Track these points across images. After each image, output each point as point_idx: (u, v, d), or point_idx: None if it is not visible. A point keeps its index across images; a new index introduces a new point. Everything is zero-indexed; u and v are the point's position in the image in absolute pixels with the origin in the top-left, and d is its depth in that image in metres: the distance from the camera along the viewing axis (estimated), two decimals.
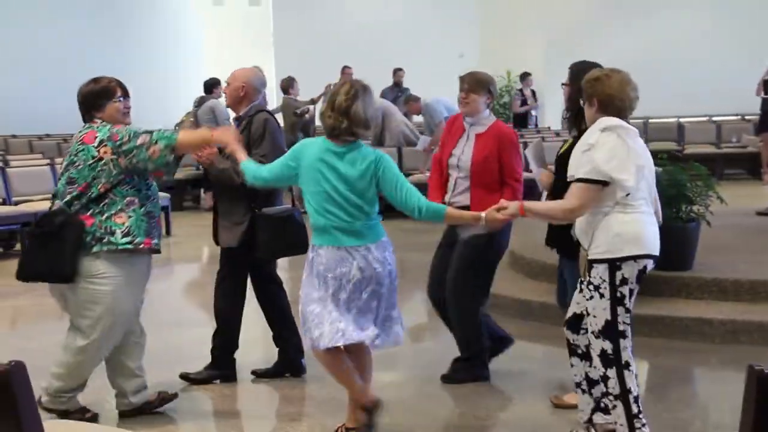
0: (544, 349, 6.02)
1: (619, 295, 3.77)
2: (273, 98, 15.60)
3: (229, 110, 5.52)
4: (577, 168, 3.80)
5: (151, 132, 4.29)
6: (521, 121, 16.87)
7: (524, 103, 17.15)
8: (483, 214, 4.06)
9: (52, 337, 5.19)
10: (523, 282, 7.19)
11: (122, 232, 4.16)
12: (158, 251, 4.41)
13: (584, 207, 3.76)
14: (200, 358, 5.31)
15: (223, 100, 11.94)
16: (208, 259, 9.03)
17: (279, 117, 13.85)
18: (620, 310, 3.79)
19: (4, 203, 9.65)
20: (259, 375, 5.30)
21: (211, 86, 12.34)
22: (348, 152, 4.00)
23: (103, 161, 4.18)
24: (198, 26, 18.25)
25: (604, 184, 3.71)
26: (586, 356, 4.04)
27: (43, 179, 9.95)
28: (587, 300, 3.87)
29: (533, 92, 17.31)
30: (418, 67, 14.02)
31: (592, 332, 3.86)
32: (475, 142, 4.94)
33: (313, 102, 13.18)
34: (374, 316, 4.07)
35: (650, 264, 3.86)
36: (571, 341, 4.12)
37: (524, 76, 17.25)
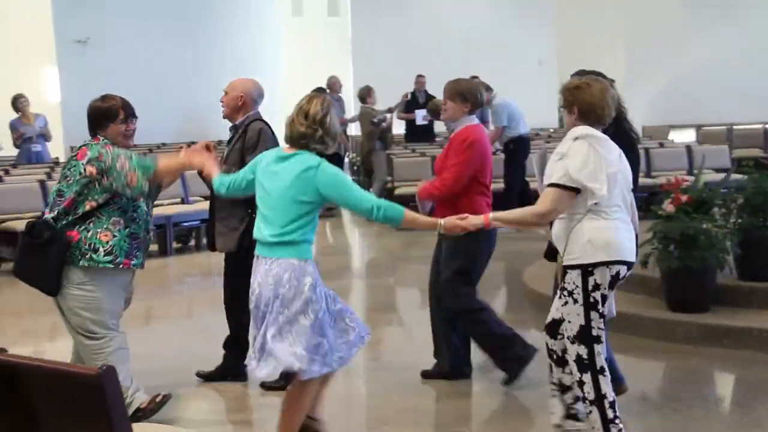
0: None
1: (592, 300, 3.81)
2: (350, 107, 15.72)
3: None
4: (550, 176, 3.85)
5: (131, 157, 4.35)
6: None
7: None
8: (441, 221, 4.09)
9: (178, 339, 5.35)
10: None
11: (105, 250, 4.31)
12: (140, 267, 4.52)
13: (555, 211, 3.82)
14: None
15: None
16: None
17: (356, 126, 14.08)
18: (593, 315, 3.83)
19: (182, 202, 10.45)
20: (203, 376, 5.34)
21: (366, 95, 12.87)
22: (293, 156, 4.00)
23: (89, 180, 4.31)
24: (277, 37, 18.51)
25: (577, 191, 3.76)
26: (560, 362, 4.07)
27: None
28: (563, 306, 3.91)
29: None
30: (497, 75, 13.92)
31: (568, 337, 3.91)
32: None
33: (390, 111, 13.25)
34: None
35: (623, 270, 3.86)
36: (549, 346, 4.13)
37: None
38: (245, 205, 4.88)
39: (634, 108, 16.16)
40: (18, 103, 12.01)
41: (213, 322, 7.27)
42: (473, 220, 4.05)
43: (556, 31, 19.09)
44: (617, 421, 3.88)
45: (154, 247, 10.07)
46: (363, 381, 5.58)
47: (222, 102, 5.21)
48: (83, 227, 4.31)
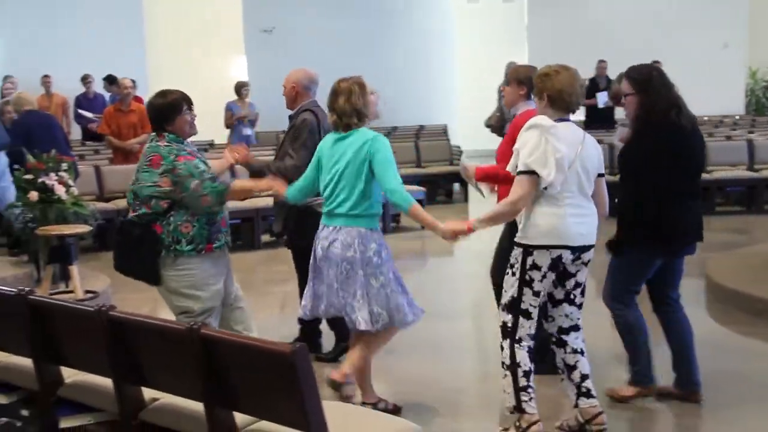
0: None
1: (527, 278, 4.07)
2: None
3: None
4: (514, 166, 4.07)
5: (204, 180, 4.50)
6: None
7: None
8: (442, 225, 4.27)
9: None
10: None
11: (187, 240, 4.50)
12: (225, 247, 4.67)
13: (523, 197, 4.02)
14: (453, 349, 5.46)
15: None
16: (461, 253, 9.20)
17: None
18: (526, 290, 4.08)
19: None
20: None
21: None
22: (349, 135, 4.39)
23: (162, 189, 4.49)
24: (452, 24, 18.57)
25: (536, 174, 3.95)
26: (559, 342, 4.24)
27: None
28: (505, 276, 4.18)
29: None
30: (677, 59, 13.40)
31: (501, 305, 4.18)
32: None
33: None
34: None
35: (567, 254, 4.05)
36: (546, 329, 4.31)
37: None
38: None
39: None
40: (242, 89, 12.87)
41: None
42: (455, 227, 4.21)
43: (747, 11, 18.10)
44: (529, 390, 4.09)
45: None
46: None
47: (284, 95, 5.53)
48: (164, 221, 4.51)
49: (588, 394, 4.19)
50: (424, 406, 4.81)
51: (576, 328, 4.24)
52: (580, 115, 14.42)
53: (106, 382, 3.34)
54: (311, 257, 4.51)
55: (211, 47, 16.40)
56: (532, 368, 4.13)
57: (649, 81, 4.48)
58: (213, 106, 13.12)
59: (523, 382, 4.08)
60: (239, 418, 3.00)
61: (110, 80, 13.78)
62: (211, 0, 17.39)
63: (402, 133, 14.99)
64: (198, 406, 3.01)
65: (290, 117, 5.53)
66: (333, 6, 16.42)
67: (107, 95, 14.04)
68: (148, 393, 3.33)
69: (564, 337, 4.22)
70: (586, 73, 13.76)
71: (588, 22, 17.24)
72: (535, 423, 4.08)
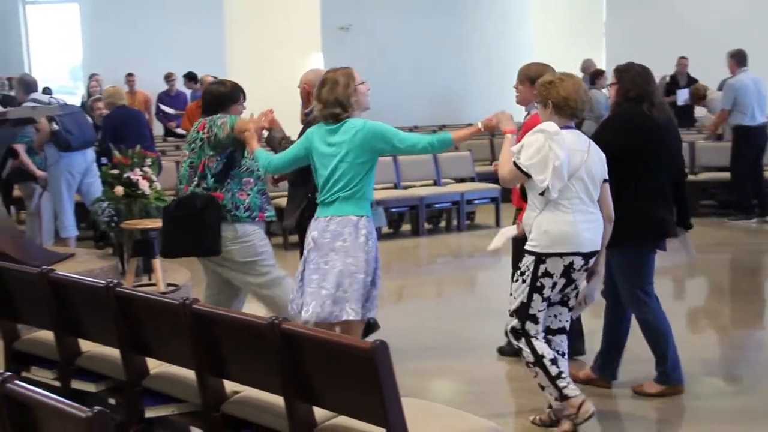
0: None
1: (538, 284, 4.13)
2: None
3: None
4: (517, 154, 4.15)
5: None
6: None
7: None
8: (480, 123, 4.44)
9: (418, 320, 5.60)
10: None
11: (244, 207, 4.87)
12: (272, 220, 5.09)
13: (506, 180, 4.22)
14: None
15: (606, 92, 12.17)
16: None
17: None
18: (536, 297, 4.14)
19: (395, 187, 10.84)
20: None
21: (593, 77, 12.59)
22: (340, 126, 4.42)
23: (203, 140, 4.84)
24: (529, 21, 18.41)
25: (527, 175, 4.06)
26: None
27: (425, 167, 10.98)
28: (513, 282, 4.28)
29: None
30: (764, 57, 13.03)
31: (510, 310, 4.23)
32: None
33: None
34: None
35: (578, 260, 4.11)
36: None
37: None
38: (304, 187, 5.16)
39: None
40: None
41: (461, 302, 7.53)
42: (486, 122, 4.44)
43: None
44: (563, 375, 4.12)
45: (406, 227, 10.52)
46: None
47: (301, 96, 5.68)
48: (224, 189, 4.85)
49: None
50: (498, 403, 4.81)
51: (563, 330, 4.31)
52: None
53: (189, 374, 3.43)
54: (304, 250, 4.53)
55: (288, 44, 16.57)
56: (557, 355, 4.20)
57: (628, 70, 4.68)
58: (289, 103, 13.31)
59: (554, 370, 4.12)
60: (318, 412, 3.05)
61: (191, 77, 14.10)
62: None
63: None
64: (278, 400, 3.06)
65: (306, 114, 5.68)
66: (410, 4, 16.44)
67: (188, 92, 14.35)
68: (229, 386, 3.41)
69: (550, 337, 4.28)
70: (667, 69, 13.54)
71: (669, 18, 16.87)
72: (582, 404, 4.12)
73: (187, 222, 4.82)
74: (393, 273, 8.22)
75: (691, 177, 9.88)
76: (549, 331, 4.28)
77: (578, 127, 4.37)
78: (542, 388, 4.20)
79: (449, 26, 16.54)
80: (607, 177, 4.23)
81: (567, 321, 4.32)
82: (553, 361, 4.14)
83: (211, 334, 3.27)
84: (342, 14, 16.25)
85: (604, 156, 4.22)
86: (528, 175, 4.06)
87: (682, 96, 13.09)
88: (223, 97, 5.02)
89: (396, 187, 10.79)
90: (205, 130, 4.89)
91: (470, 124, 5.01)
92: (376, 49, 15.91)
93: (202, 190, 4.85)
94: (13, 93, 10.89)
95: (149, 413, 3.59)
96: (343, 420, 3.00)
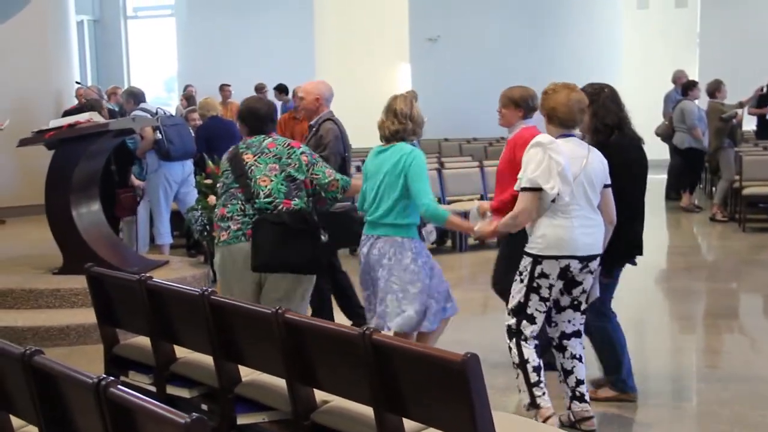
0: None
1: (535, 285, 4.29)
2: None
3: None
4: (520, 182, 4.27)
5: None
6: None
7: None
8: (476, 227, 4.60)
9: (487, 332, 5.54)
10: None
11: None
12: None
13: (525, 211, 4.24)
14: None
15: (698, 103, 12.00)
16: None
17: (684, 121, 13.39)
18: (533, 296, 4.30)
19: (440, 202, 10.54)
20: None
21: (686, 88, 12.35)
22: (390, 147, 4.67)
23: (303, 165, 4.79)
24: (620, 30, 18.12)
25: (539, 190, 4.16)
26: (559, 347, 4.44)
27: (472, 181, 10.71)
28: (513, 283, 4.39)
29: None
30: None
31: (508, 309, 4.40)
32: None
33: (741, 106, 12.46)
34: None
35: (574, 263, 4.26)
36: (548, 333, 4.52)
37: None
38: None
39: None
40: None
41: None
42: (490, 228, 4.56)
43: None
44: (541, 384, 4.26)
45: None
46: (694, 390, 5.42)
47: (299, 107, 5.70)
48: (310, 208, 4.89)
49: (581, 399, 4.40)
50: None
51: (578, 333, 4.44)
52: (751, 124, 13.79)
53: (280, 382, 3.48)
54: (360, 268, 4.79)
55: (376, 55, 16.74)
56: (541, 364, 4.34)
57: (598, 94, 4.70)
58: (377, 114, 13.43)
59: (534, 378, 4.26)
60: (408, 423, 3.06)
61: (280, 89, 14.30)
62: (378, 10, 17.74)
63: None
64: (368, 410, 3.08)
65: (310, 126, 5.81)
66: (499, 15, 16.38)
67: (278, 104, 14.59)
68: (319, 395, 3.44)
69: (565, 342, 4.43)
70: (761, 81, 13.15)
71: (764, 28, 16.42)
72: (550, 417, 4.23)
73: (297, 236, 4.64)
74: (478, 284, 8.15)
75: None
76: (563, 336, 4.43)
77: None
78: (519, 390, 4.34)
79: (537, 37, 16.42)
80: (609, 182, 4.35)
81: (581, 324, 4.44)
82: (536, 369, 4.29)
83: (301, 343, 3.32)
84: (430, 25, 16.30)
85: (606, 162, 4.34)
86: (537, 189, 4.17)
87: None
88: (272, 112, 5.03)
89: (441, 201, 10.46)
90: (306, 158, 4.83)
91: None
92: (462, 59, 15.90)
93: (308, 206, 4.83)
94: (109, 105, 11.23)
95: (241, 420, 3.65)
96: None
